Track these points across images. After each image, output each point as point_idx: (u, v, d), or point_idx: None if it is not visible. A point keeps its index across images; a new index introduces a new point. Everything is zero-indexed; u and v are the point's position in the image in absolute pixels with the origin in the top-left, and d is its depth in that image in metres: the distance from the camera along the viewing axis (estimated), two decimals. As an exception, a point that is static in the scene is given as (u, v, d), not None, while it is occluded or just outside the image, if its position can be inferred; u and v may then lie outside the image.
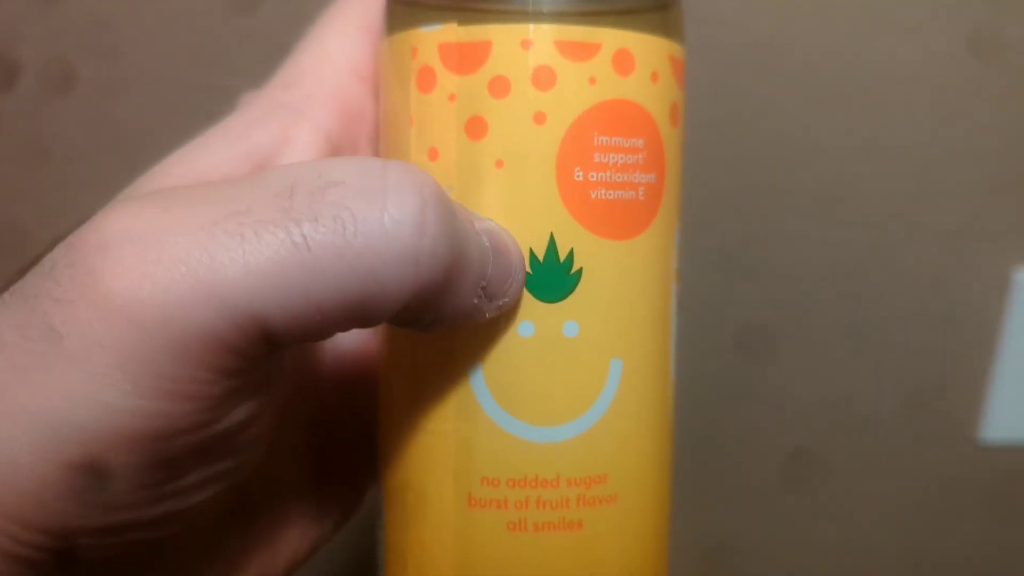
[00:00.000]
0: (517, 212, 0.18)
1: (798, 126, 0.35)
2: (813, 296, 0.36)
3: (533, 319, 0.18)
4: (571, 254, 0.18)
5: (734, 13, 0.34)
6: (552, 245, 0.18)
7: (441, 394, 0.19)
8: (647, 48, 0.18)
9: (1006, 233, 0.36)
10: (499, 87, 0.17)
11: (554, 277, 0.18)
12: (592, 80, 0.18)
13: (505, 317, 0.18)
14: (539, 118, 0.18)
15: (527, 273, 0.18)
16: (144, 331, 0.13)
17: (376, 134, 0.21)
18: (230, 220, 0.14)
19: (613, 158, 0.18)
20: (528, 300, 0.18)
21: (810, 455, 0.37)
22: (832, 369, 0.36)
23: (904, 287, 0.36)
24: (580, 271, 0.18)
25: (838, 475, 0.38)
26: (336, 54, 0.20)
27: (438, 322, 0.16)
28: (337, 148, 0.20)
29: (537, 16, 0.17)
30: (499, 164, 0.18)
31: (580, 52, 0.17)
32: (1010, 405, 0.37)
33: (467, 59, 0.17)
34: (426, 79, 0.18)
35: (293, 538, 0.21)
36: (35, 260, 0.15)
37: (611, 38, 0.18)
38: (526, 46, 0.17)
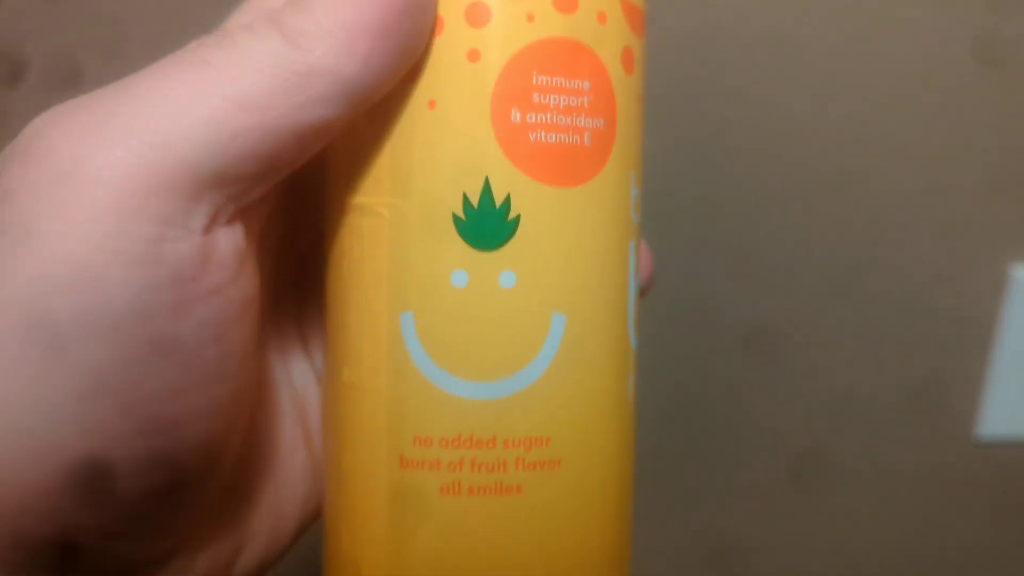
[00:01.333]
0: (450, 154, 0.17)
1: (800, 125, 0.34)
2: (816, 296, 0.36)
3: (467, 268, 0.17)
4: (507, 200, 0.17)
5: (738, 11, 0.33)
6: (487, 190, 0.17)
7: (373, 349, 0.18)
8: (591, -14, 0.17)
9: (1004, 230, 0.36)
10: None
11: (489, 224, 0.17)
12: (530, 17, 0.17)
13: (437, 266, 0.17)
14: (473, 56, 0.17)
15: (460, 220, 0.17)
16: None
17: None
18: None
19: (554, 99, 0.17)
20: (462, 248, 0.17)
21: (815, 454, 0.36)
22: (835, 368, 0.36)
23: (903, 284, 0.36)
24: (518, 218, 0.17)
25: (843, 474, 0.37)
26: None
27: None
28: None
29: (470, -51, 0.17)
30: (431, 104, 0.17)
31: (516, -13, 0.17)
32: (1007, 401, 0.36)
33: (398, -5, 0.17)
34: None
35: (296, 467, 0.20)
36: None
37: (550, -27, 0.17)
38: (459, -19, 0.17)
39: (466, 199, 0.17)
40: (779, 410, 0.36)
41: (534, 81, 0.17)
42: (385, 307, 0.17)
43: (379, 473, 0.18)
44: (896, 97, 0.34)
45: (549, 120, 0.17)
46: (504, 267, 0.17)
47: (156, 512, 0.15)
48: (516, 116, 0.17)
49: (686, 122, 0.34)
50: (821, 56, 0.34)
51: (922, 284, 0.36)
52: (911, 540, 0.38)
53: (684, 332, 0.35)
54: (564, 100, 0.17)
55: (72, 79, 0.40)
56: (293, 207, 0.20)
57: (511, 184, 0.17)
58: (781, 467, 0.36)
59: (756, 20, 0.34)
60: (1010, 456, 0.37)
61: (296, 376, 0.21)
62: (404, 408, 0.17)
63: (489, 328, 0.17)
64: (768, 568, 0.37)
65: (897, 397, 0.36)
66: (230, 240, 0.15)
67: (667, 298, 0.34)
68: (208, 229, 0.14)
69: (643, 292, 0.22)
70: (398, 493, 0.18)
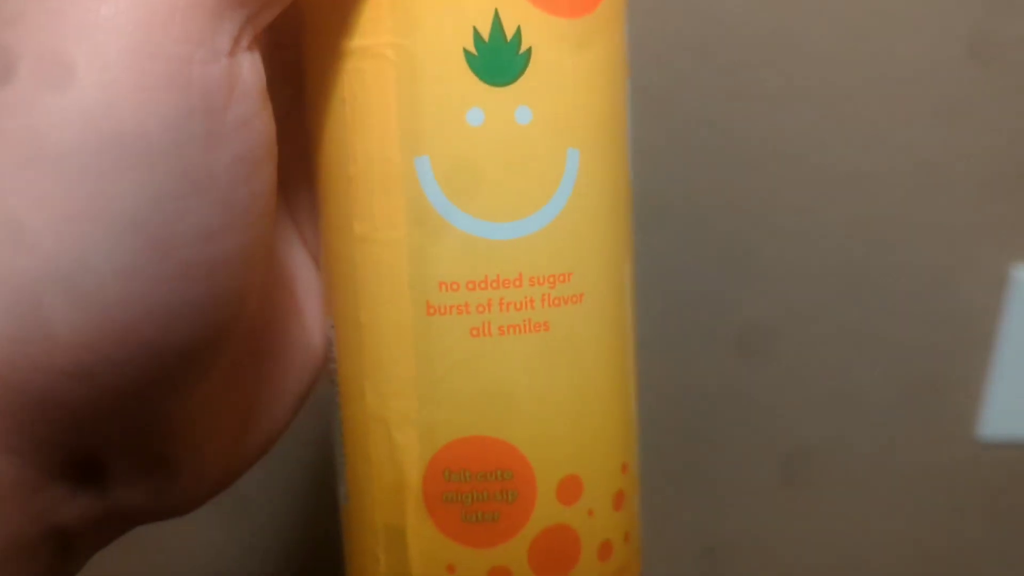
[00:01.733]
0: (457, -13, 0.16)
1: (798, 123, 0.34)
2: (812, 294, 0.35)
3: (482, 105, 0.17)
4: (518, 32, 0.17)
5: (736, 10, 0.33)
6: (497, 22, 0.16)
7: (388, 198, 0.17)
8: None
9: (1004, 230, 0.35)
10: None
11: (502, 57, 0.16)
12: None
13: (451, 105, 0.17)
14: None
15: (472, 55, 0.16)
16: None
17: None
18: None
19: (557, -74, 0.17)
20: (476, 84, 0.17)
21: (809, 453, 0.36)
22: (831, 367, 0.36)
23: (902, 284, 0.35)
24: (529, 51, 0.17)
25: (838, 474, 0.37)
26: None
27: None
28: None
29: None
30: (434, -66, 0.16)
31: None
32: (1008, 402, 0.36)
33: None
34: None
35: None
36: None
37: None
38: None
39: (476, 33, 0.16)
40: (772, 409, 0.36)
41: (537, -94, 0.16)
42: (398, 153, 0.17)
43: (404, 324, 0.17)
44: (895, 95, 0.34)
45: (553, -53, 0.17)
46: (520, 102, 0.17)
47: (186, 366, 0.15)
48: (521, -57, 0.16)
49: (682, 118, 0.33)
50: (818, 54, 0.34)
51: (923, 284, 0.35)
52: (909, 541, 0.38)
53: (676, 329, 0.35)
54: (567, -74, 0.17)
55: None
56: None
57: (521, 15, 0.16)
58: (774, 466, 0.36)
59: (753, 20, 0.33)
60: (1012, 457, 0.38)
61: (281, 241, 0.20)
62: (426, 255, 0.17)
63: (509, 166, 0.17)
64: (760, 567, 0.37)
65: (896, 397, 0.36)
66: (253, 67, 0.14)
67: (659, 295, 0.34)
68: (232, 51, 0.14)
69: None
70: (426, 341, 0.17)
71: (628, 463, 0.20)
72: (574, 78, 0.17)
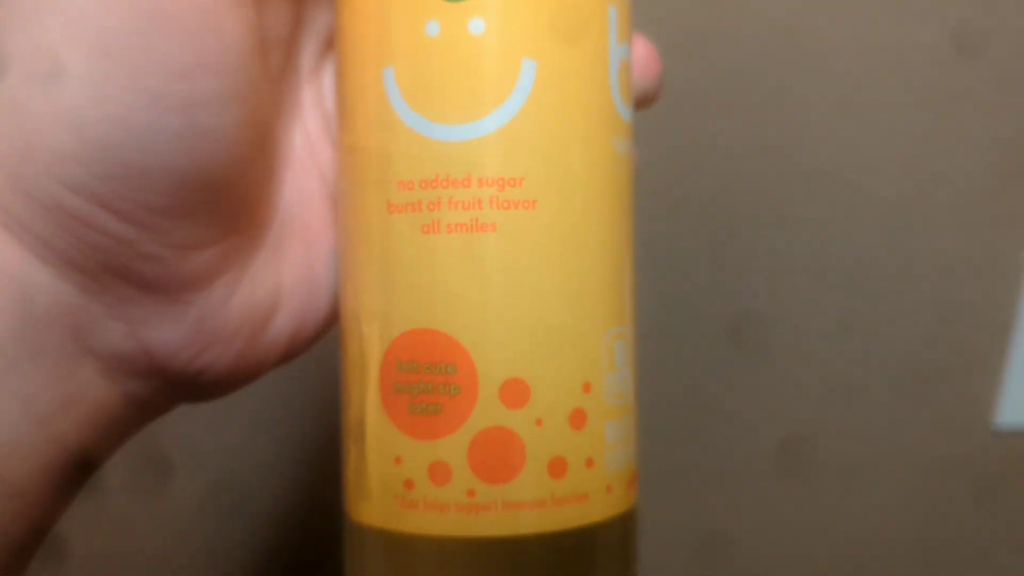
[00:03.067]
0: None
1: (806, 113, 0.35)
2: (823, 284, 0.36)
3: (439, 18, 0.18)
4: (474, -49, 0.18)
5: (732, 3, 0.34)
6: (454, -58, 0.18)
7: (364, 108, 0.19)
8: None
9: (1019, 219, 0.35)
10: None
11: None
12: None
13: (413, 19, 0.18)
14: None
15: None
16: None
17: None
18: None
19: None
20: (435, 0, 0.18)
21: (814, 444, 0.36)
22: (845, 357, 0.36)
23: (917, 273, 0.36)
24: (484, -32, 0.18)
25: (847, 464, 0.37)
26: None
27: None
28: None
29: None
30: None
31: None
32: None
33: None
34: None
35: None
36: None
37: None
38: None
39: (434, -48, 0.18)
40: (777, 399, 0.36)
41: None
42: (372, 66, 0.19)
43: (372, 224, 0.19)
44: (909, 83, 0.34)
45: None
46: (472, 15, 0.18)
47: (185, 203, 0.17)
48: None
49: (681, 109, 0.34)
50: (826, 44, 0.34)
51: (938, 273, 0.36)
52: (923, 530, 0.38)
53: (668, 320, 0.35)
54: None
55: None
56: None
57: None
58: (768, 457, 0.36)
59: (762, 7, 0.34)
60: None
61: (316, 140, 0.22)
62: (390, 157, 0.19)
63: (460, 72, 0.18)
64: (756, 559, 0.37)
65: (910, 386, 0.36)
66: None
67: (651, 285, 0.34)
68: None
69: (648, 100, 0.23)
70: (387, 238, 0.19)
71: (592, 384, 0.19)
72: (529, -7, 0.18)
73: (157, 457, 0.35)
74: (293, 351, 0.22)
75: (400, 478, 0.19)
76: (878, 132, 0.35)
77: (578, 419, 0.19)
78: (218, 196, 0.18)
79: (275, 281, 0.21)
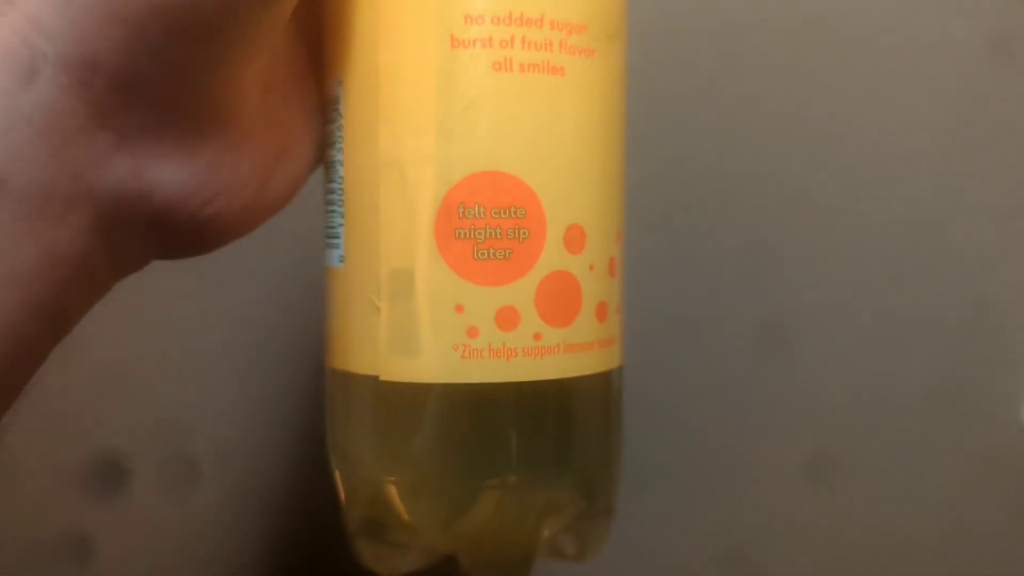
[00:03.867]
0: None
1: (836, 110, 0.34)
2: (849, 281, 0.35)
3: None
4: None
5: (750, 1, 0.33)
6: None
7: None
8: None
9: None
10: None
11: None
12: None
13: None
14: None
15: None
16: None
17: None
18: None
19: None
20: None
21: (846, 443, 0.35)
22: (869, 355, 0.35)
23: (945, 268, 0.35)
24: None
25: (875, 463, 0.36)
26: None
27: None
28: None
29: None
30: None
31: None
32: None
33: None
34: None
35: None
36: None
37: None
38: None
39: None
40: (805, 404, 0.35)
41: None
42: None
43: (427, 59, 0.18)
44: (941, 77, 0.34)
45: None
46: None
47: (186, 56, 0.15)
48: None
49: (708, 107, 0.33)
50: (858, 37, 0.34)
51: (965, 268, 0.35)
52: (953, 526, 0.37)
53: (694, 327, 0.33)
54: None
55: None
56: None
57: None
58: (796, 467, 0.35)
59: (787, 3, 0.33)
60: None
61: None
62: (454, -12, 0.18)
63: None
64: (781, 570, 0.36)
65: (939, 384, 0.36)
66: None
67: (686, 287, 0.33)
68: None
69: None
70: (448, 75, 0.18)
71: (621, 235, 0.20)
72: None
73: (184, 457, 0.31)
74: (286, 202, 0.19)
75: (462, 327, 0.18)
76: (911, 132, 0.34)
77: (613, 267, 0.20)
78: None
79: (287, 124, 0.19)
